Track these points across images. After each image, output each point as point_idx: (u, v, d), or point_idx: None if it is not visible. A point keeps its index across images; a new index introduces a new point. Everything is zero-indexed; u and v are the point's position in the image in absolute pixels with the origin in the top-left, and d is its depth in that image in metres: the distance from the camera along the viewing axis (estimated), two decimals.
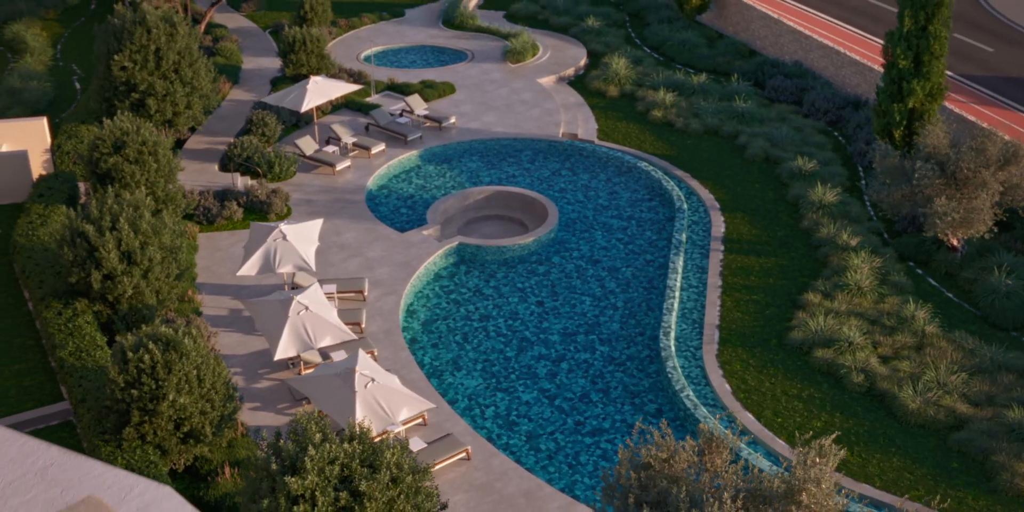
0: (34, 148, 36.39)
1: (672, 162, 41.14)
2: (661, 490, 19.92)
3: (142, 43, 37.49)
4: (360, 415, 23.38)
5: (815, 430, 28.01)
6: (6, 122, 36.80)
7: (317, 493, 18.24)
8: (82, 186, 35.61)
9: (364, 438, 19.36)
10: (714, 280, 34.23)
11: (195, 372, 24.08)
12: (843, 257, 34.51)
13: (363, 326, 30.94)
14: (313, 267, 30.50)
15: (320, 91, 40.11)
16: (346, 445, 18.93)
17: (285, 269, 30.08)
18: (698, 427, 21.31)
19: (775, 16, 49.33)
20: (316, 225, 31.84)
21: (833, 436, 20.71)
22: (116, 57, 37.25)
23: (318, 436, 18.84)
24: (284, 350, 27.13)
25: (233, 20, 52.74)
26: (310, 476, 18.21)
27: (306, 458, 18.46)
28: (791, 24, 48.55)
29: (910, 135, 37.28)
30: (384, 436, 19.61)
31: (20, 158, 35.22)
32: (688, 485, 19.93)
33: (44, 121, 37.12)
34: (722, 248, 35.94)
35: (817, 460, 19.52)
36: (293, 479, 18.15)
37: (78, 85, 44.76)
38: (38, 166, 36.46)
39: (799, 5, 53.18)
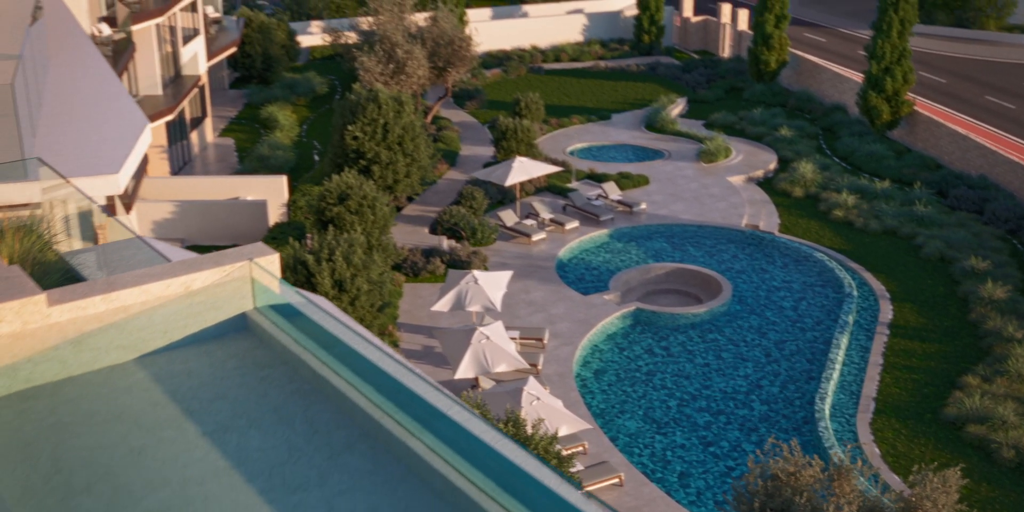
0: (273, 200, 40.24)
1: (848, 256, 41.86)
2: (786, 499, 20.74)
3: (372, 117, 41.22)
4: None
5: (960, 495, 27.91)
6: (253, 177, 41.01)
7: None
8: (309, 235, 39.05)
9: (518, 423, 21.03)
10: (876, 359, 34.61)
11: None
12: (1007, 347, 34.39)
13: (539, 368, 32.71)
14: (499, 308, 32.62)
15: (524, 169, 42.93)
16: (500, 425, 20.64)
17: (474, 308, 32.31)
18: (830, 455, 22.03)
19: (963, 132, 49.85)
20: (506, 275, 34.07)
21: (958, 467, 21.13)
22: (349, 128, 41.05)
23: (477, 412, 20.65)
24: (464, 371, 29.15)
25: (456, 115, 56.69)
26: None
27: None
28: (979, 141, 48.96)
29: None
30: (538, 423, 21.16)
31: (260, 206, 39.04)
32: (812, 497, 20.68)
33: (284, 178, 41.10)
34: (887, 332, 36.31)
35: (934, 479, 20.04)
36: None
37: (316, 157, 49.06)
38: (275, 215, 40.23)
39: (988, 126, 53.57)
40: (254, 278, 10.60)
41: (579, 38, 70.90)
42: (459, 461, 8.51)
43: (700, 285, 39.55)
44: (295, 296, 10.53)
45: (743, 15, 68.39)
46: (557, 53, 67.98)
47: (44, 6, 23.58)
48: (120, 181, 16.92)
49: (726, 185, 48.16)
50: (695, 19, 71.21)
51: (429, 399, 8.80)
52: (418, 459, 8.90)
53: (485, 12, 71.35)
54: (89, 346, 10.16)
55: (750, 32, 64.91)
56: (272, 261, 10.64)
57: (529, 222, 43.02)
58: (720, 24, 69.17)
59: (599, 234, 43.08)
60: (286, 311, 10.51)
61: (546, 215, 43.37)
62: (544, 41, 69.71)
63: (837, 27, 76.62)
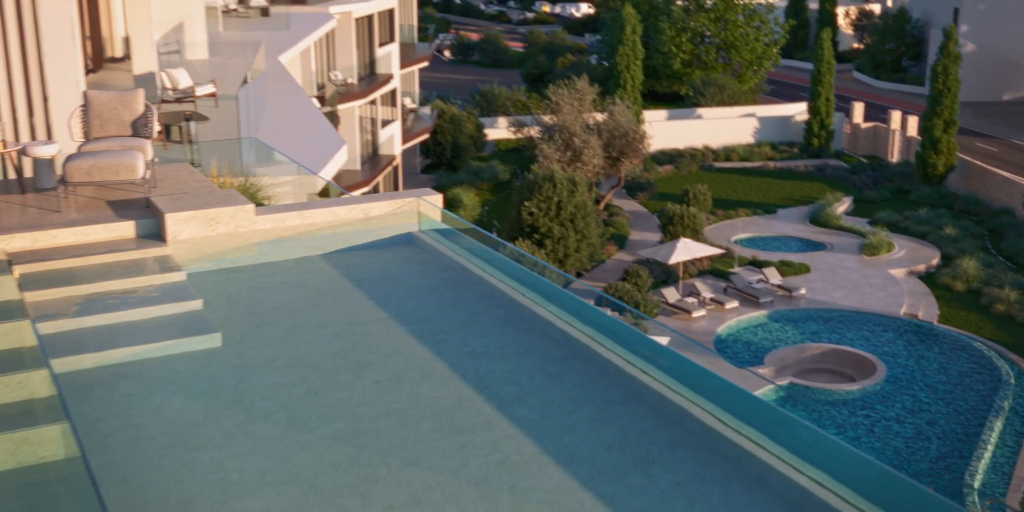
0: None
1: (1007, 347, 40.98)
2: None
3: (548, 195, 43.04)
4: None
5: None
6: None
7: None
8: None
9: None
10: None
11: None
12: None
13: None
14: None
15: (687, 249, 43.85)
16: None
17: None
18: (968, 508, 21.82)
19: None
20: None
21: None
22: (526, 204, 42.94)
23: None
24: None
25: (628, 204, 58.19)
26: None
27: None
28: None
29: None
30: None
31: None
32: None
33: None
34: None
35: None
36: None
37: (495, 234, 51.15)
38: None
39: None
40: (421, 211, 12.86)
41: (750, 140, 71.95)
42: (572, 319, 10.86)
43: (854, 366, 39.31)
44: (455, 222, 12.62)
45: (912, 122, 68.31)
46: (728, 153, 69.10)
47: (268, 70, 26.54)
48: (318, 184, 19.19)
49: (887, 277, 47.88)
50: (865, 125, 71.46)
51: (552, 281, 10.76)
52: (542, 320, 11.12)
53: (661, 113, 73.30)
54: (284, 245, 12.88)
55: (919, 138, 64.73)
56: (437, 200, 13.25)
57: (690, 300, 43.71)
58: (890, 130, 69.21)
59: (757, 315, 43.40)
60: (445, 233, 12.74)
61: (707, 294, 44.01)
62: (716, 141, 71.03)
63: (1010, 138, 75.51)
